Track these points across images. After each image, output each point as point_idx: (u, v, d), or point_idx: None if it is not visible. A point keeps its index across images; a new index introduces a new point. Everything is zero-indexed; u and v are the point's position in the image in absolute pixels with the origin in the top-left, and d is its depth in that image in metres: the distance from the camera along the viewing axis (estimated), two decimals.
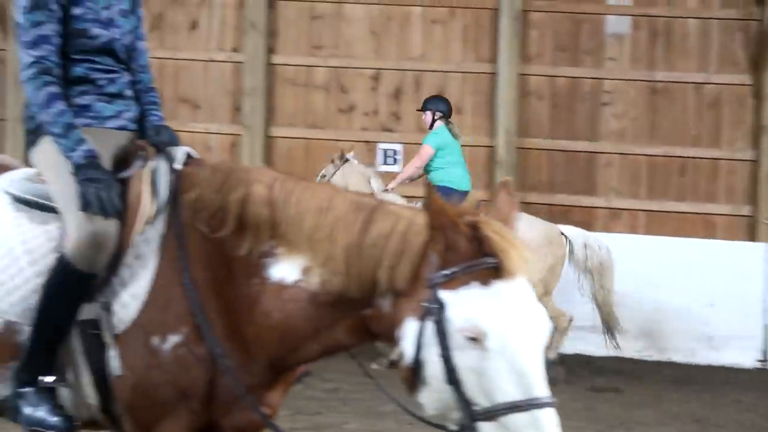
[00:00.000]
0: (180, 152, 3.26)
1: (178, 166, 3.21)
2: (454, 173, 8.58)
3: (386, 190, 8.71)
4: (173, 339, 3.01)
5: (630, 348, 9.54)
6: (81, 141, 3.13)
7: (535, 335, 2.65)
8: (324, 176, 9.12)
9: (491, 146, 10.17)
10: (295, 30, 10.44)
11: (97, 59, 3.31)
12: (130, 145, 3.35)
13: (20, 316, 3.13)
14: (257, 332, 3.01)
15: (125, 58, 3.41)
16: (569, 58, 10.18)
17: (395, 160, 10.31)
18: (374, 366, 8.04)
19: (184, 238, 3.06)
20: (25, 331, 3.11)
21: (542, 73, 10.16)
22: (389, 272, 2.77)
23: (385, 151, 10.30)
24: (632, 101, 10.15)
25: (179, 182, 3.15)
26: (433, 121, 8.93)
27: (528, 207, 9.30)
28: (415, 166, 8.79)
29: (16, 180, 3.33)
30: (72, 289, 3.05)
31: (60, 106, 3.16)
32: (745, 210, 10.02)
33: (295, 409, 6.45)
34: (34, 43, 3.18)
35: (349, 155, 9.25)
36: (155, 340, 3.01)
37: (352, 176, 8.82)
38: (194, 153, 3.33)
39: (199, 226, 3.06)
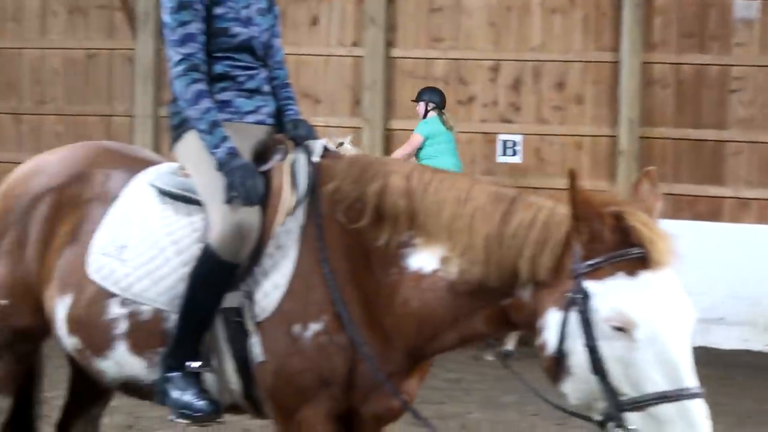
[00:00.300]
0: (318, 145, 3.35)
1: (316, 158, 3.28)
2: (443, 162, 8.54)
3: None
4: (314, 327, 3.08)
5: (759, 342, 9.27)
6: (225, 138, 3.23)
7: (683, 325, 2.63)
8: None
9: (613, 136, 10.00)
10: (414, 23, 10.47)
11: (236, 56, 3.41)
12: (268, 139, 3.45)
13: (167, 304, 3.26)
14: (396, 321, 3.06)
15: (263, 55, 3.50)
16: (695, 44, 9.90)
17: (515, 152, 10.24)
18: (489, 358, 8.04)
19: (324, 229, 3.13)
20: (172, 319, 3.23)
21: (667, 61, 9.91)
22: (531, 262, 2.78)
23: (505, 142, 10.24)
24: (762, 88, 9.81)
25: (318, 174, 3.23)
26: (427, 111, 9.09)
27: None
28: (405, 152, 8.87)
29: (162, 174, 3.46)
30: (216, 278, 3.15)
31: (207, 103, 3.26)
32: None
33: (420, 398, 6.49)
34: (182, 41, 3.30)
35: (345, 140, 9.31)
36: (296, 328, 3.09)
37: None
38: (331, 146, 3.41)
39: (338, 218, 3.13)
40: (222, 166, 3.19)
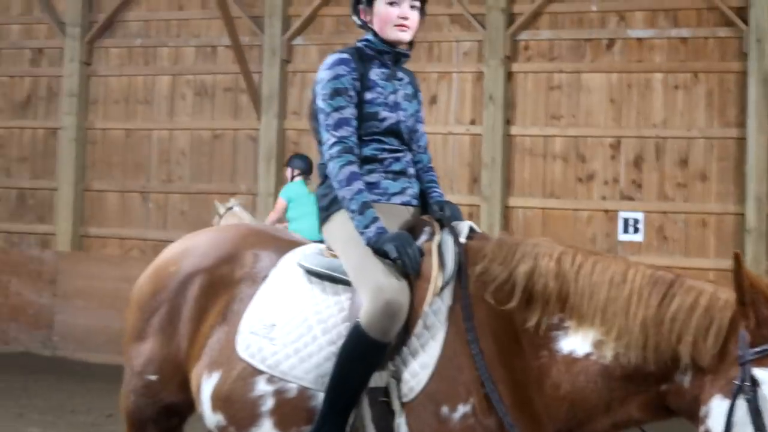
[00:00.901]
0: (464, 226, 3.36)
1: (463, 239, 3.30)
2: (302, 224, 9.09)
3: None
4: (463, 409, 3.07)
5: None
6: (375, 219, 3.30)
7: None
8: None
9: (740, 214, 9.75)
10: (532, 101, 10.52)
11: (384, 140, 3.49)
12: (414, 220, 3.49)
13: (314, 382, 3.29)
14: (546, 405, 3.02)
15: (408, 139, 3.57)
16: None
17: (636, 230, 10.09)
18: None
19: (472, 309, 3.13)
20: (318, 397, 3.26)
21: None
22: (692, 348, 2.72)
23: (626, 219, 10.10)
24: None
25: (465, 255, 3.24)
26: (293, 177, 9.71)
27: None
28: (272, 219, 9.50)
29: (309, 254, 3.53)
30: (365, 356, 3.17)
31: (359, 185, 3.35)
32: None
33: None
34: (337, 125, 3.40)
35: (233, 203, 10.05)
36: (444, 410, 3.08)
37: (231, 220, 9.58)
38: (477, 227, 3.42)
39: (486, 299, 3.13)
40: (371, 244, 3.24)
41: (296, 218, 9.33)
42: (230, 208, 10.03)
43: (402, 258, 3.16)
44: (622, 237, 10.09)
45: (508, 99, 10.49)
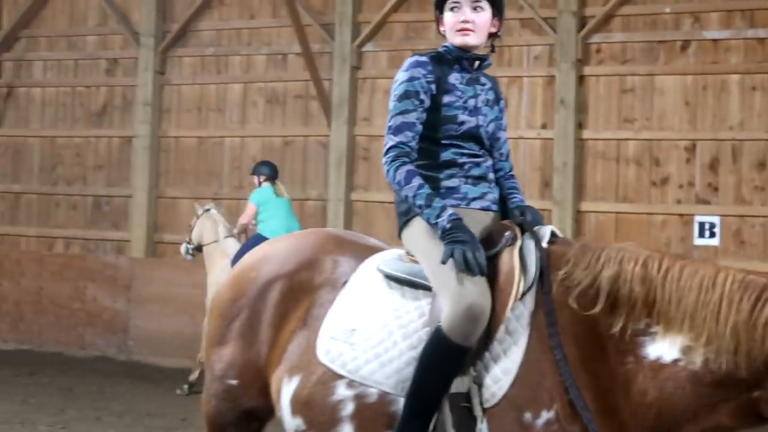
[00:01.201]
0: (546, 231, 3.32)
1: (545, 244, 3.26)
2: (269, 225, 9.60)
3: (230, 236, 10.04)
4: (546, 416, 3.03)
5: None
6: (444, 208, 3.28)
7: None
8: (190, 226, 10.45)
9: None
10: (605, 104, 10.39)
11: (463, 144, 3.47)
12: (494, 225, 3.45)
13: (394, 387, 3.28)
14: (632, 411, 2.98)
15: (488, 144, 3.54)
16: None
17: (713, 234, 9.89)
18: None
19: (555, 315, 3.09)
20: (399, 402, 3.25)
21: None
22: None
23: (702, 224, 9.91)
24: None
25: (548, 260, 3.20)
26: (260, 183, 10.06)
27: None
28: (242, 222, 9.95)
29: (388, 260, 3.52)
30: (447, 361, 3.15)
31: (418, 180, 3.33)
32: None
33: None
34: (398, 130, 3.40)
35: (210, 206, 10.49)
36: (527, 416, 3.05)
37: (206, 221, 10.25)
38: (558, 232, 3.38)
39: (570, 304, 3.09)
40: (445, 234, 3.21)
41: (264, 220, 9.79)
42: (207, 210, 10.52)
43: (458, 264, 3.11)
44: (698, 241, 9.92)
45: (579, 103, 10.39)
